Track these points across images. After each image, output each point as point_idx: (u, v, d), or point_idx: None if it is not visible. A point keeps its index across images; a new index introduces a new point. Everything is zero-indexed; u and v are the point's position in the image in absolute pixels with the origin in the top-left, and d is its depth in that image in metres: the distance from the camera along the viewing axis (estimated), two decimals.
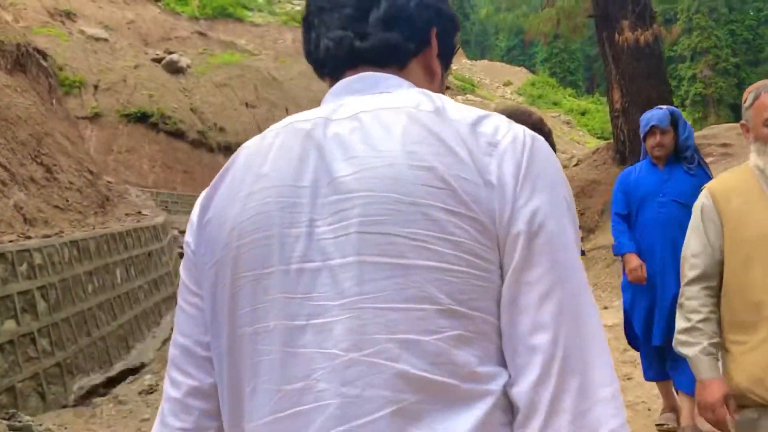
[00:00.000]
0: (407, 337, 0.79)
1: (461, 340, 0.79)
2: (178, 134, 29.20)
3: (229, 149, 30.24)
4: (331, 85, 1.01)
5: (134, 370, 6.50)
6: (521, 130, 0.88)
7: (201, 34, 41.07)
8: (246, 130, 31.44)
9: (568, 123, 47.44)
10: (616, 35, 9.92)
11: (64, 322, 5.98)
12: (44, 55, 14.29)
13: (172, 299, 9.76)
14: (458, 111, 0.88)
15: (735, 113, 31.57)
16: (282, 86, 34.96)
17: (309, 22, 1.02)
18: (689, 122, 4.02)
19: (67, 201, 9.42)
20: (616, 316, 6.25)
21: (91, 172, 11.84)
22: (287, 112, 32.70)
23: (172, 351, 0.99)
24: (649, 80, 10.18)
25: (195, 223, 0.97)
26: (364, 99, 0.92)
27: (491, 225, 0.81)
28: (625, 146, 10.27)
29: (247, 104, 33.64)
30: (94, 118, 28.26)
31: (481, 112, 0.89)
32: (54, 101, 13.67)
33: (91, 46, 32.63)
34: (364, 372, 0.79)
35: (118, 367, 6.70)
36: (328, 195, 0.85)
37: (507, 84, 55.97)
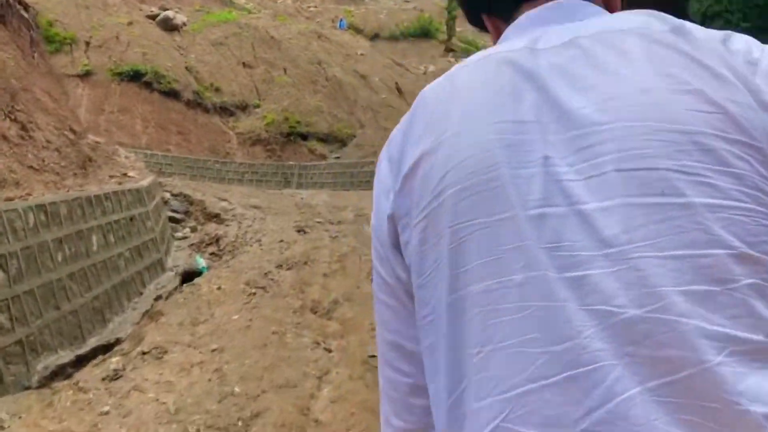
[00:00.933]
0: (697, 288, 0.66)
1: (757, 290, 0.66)
2: (172, 94, 28.40)
3: (225, 110, 29.49)
4: (495, 27, 0.98)
5: (108, 347, 5.93)
6: None
7: None
8: (242, 91, 30.64)
9: None
10: None
11: (27, 295, 5.39)
12: (26, 6, 13.47)
13: (156, 266, 9.19)
14: (698, 29, 0.77)
15: None
16: (280, 45, 34.01)
17: None
18: None
19: (43, 161, 8.78)
20: None
21: (73, 131, 11.17)
22: (285, 73, 31.87)
23: (382, 347, 0.91)
24: None
25: (389, 189, 0.83)
26: (571, 26, 0.82)
27: None
28: None
29: (244, 64, 32.75)
30: (86, 76, 27.42)
31: (722, 31, 0.77)
32: (35, 55, 12.91)
33: (83, 1, 31.59)
34: (651, 330, 0.65)
35: (91, 343, 6.13)
36: (562, 130, 0.73)
37: None
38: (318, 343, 4.88)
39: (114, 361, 4.56)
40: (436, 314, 0.77)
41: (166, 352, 4.69)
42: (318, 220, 12.44)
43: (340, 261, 8.24)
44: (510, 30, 0.89)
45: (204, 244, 11.34)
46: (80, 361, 5.60)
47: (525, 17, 0.88)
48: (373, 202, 0.88)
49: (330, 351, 4.79)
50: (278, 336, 4.97)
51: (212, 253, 10.36)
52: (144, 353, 4.64)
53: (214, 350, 4.72)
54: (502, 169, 0.73)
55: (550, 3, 0.87)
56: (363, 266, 7.89)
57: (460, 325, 0.73)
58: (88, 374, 4.30)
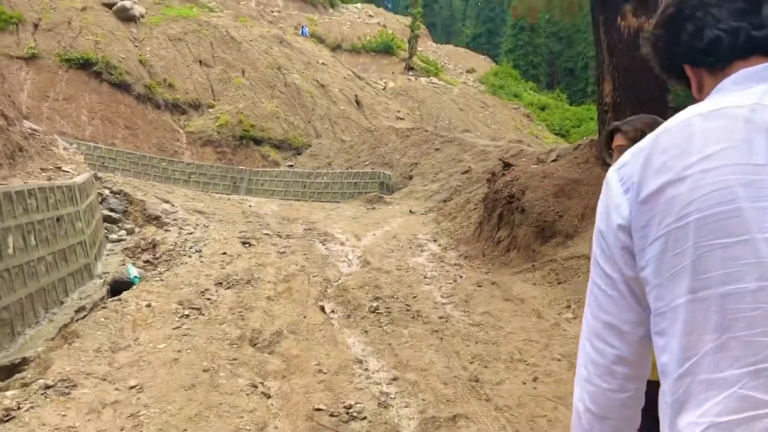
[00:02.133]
0: None
1: None
2: (122, 86, 27.26)
3: (177, 107, 28.43)
4: (699, 77, 1.16)
5: (12, 368, 5.15)
6: None
7: None
8: (197, 89, 29.63)
9: (528, 116, 47.13)
10: (619, 19, 8.88)
11: None
12: None
13: (83, 272, 8.36)
14: None
15: None
16: (240, 47, 33.12)
17: (686, 16, 1.13)
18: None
19: None
20: None
21: (5, 117, 10.23)
22: (243, 75, 30.98)
23: (594, 323, 1.16)
24: (645, 74, 9.16)
25: (619, 203, 1.09)
26: None
27: None
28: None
29: (201, 62, 31.76)
30: (31, 59, 26.04)
31: None
32: None
33: None
34: None
35: None
36: None
37: (470, 71, 55.53)
38: (255, 386, 4.24)
39: (9, 396, 3.82)
40: (671, 307, 1.02)
41: (74, 386, 3.98)
42: (265, 231, 11.75)
43: (287, 281, 7.60)
44: (727, 83, 1.08)
45: (139, 250, 10.51)
46: None
47: (743, 74, 1.07)
48: (601, 212, 1.16)
49: (269, 396, 4.15)
50: (210, 375, 4.31)
51: (147, 261, 9.56)
52: (47, 387, 3.92)
53: (132, 387, 4.04)
54: (742, 202, 0.95)
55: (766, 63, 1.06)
56: (311, 290, 7.28)
57: (697, 317, 0.98)
58: None
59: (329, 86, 33.16)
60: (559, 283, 7.28)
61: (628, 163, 1.09)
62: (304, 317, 5.98)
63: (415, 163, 20.53)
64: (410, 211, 15.13)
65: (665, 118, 2.98)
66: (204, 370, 4.36)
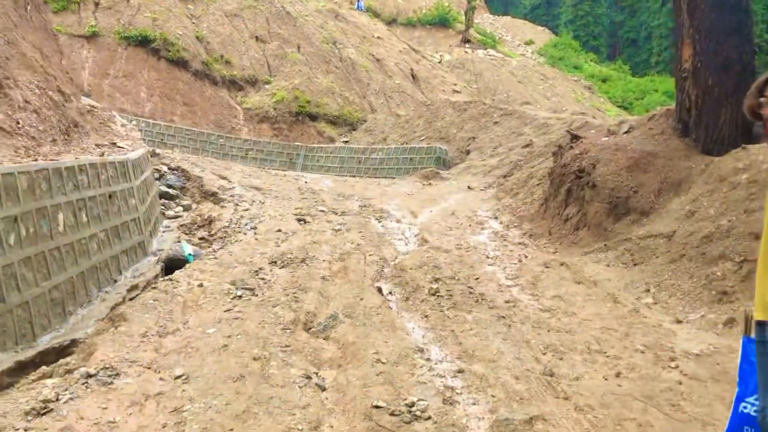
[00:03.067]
0: None
1: None
2: (180, 63, 27.37)
3: (234, 83, 28.44)
4: None
5: (61, 351, 4.98)
6: None
7: None
8: (253, 65, 29.56)
9: (589, 88, 45.56)
10: None
11: None
12: None
13: (137, 250, 8.23)
14: None
15: None
16: (296, 22, 32.88)
17: None
18: None
19: (17, 123, 7.79)
20: (700, 340, 4.67)
21: (62, 93, 10.15)
22: (299, 50, 30.73)
23: None
24: (729, 37, 8.39)
25: None
26: None
27: None
28: (690, 114, 8.53)
29: (257, 38, 31.67)
30: (92, 37, 26.39)
31: None
32: (29, 7, 11.88)
33: None
34: None
35: (43, 342, 5.18)
36: None
37: (529, 43, 54.04)
38: (309, 377, 3.91)
39: (49, 385, 3.59)
40: None
41: (117, 375, 3.73)
42: (321, 208, 11.45)
43: (342, 260, 7.27)
44: None
45: (195, 226, 10.37)
46: (22, 368, 4.65)
47: None
48: None
49: (324, 389, 3.82)
50: (260, 364, 4.00)
51: (202, 238, 9.39)
52: (89, 376, 3.68)
53: (178, 377, 3.77)
54: None
55: None
56: (367, 269, 6.93)
57: None
58: (12, 403, 3.34)
59: (384, 60, 32.63)
60: (635, 265, 6.71)
61: None
62: (361, 299, 5.63)
63: (472, 137, 19.91)
64: (468, 187, 14.61)
65: (749, 85, 2.57)
66: (254, 359, 4.06)
